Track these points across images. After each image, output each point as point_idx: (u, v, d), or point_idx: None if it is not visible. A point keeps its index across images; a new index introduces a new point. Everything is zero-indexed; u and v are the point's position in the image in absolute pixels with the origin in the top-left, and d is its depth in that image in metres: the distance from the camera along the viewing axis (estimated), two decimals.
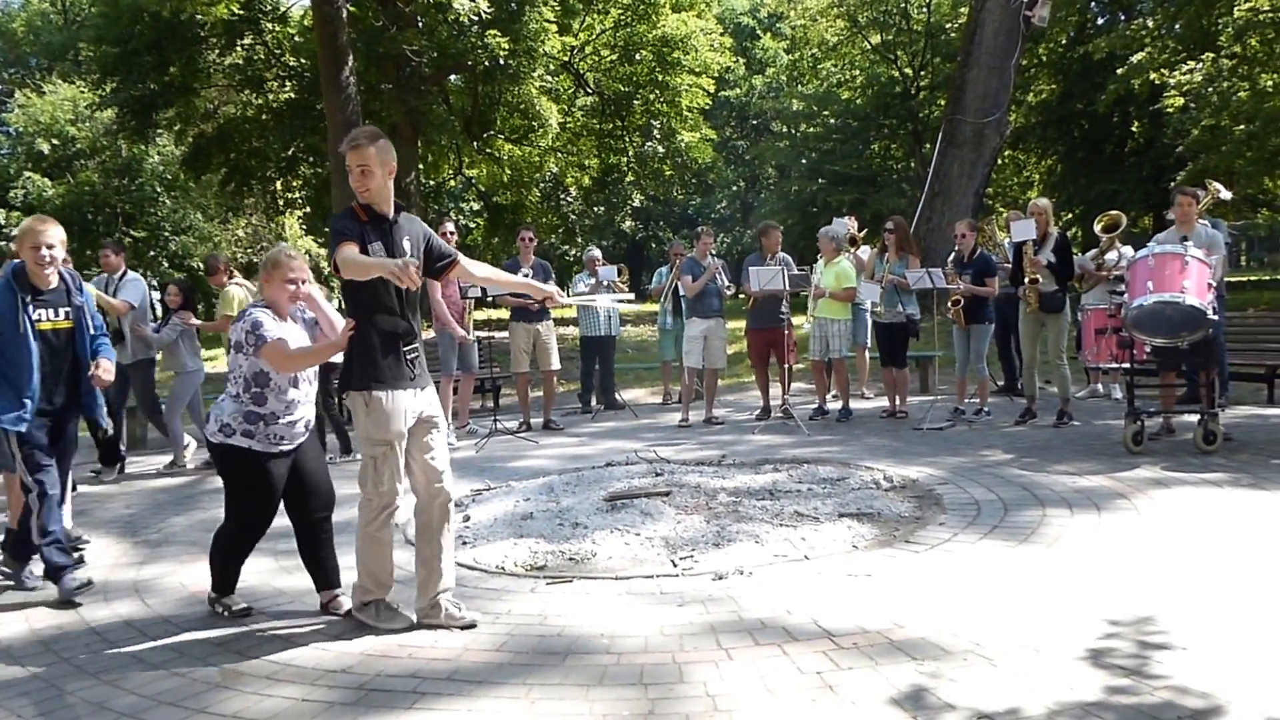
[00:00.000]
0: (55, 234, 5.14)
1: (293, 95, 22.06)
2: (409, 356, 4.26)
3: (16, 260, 5.17)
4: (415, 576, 4.39)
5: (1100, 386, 10.88)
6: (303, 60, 21.56)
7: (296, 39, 22.13)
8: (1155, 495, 6.05)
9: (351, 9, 18.11)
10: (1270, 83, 18.44)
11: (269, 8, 21.36)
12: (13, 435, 5.00)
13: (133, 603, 4.91)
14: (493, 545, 5.55)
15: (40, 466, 5.07)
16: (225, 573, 4.65)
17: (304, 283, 4.50)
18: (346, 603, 4.55)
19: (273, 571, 5.28)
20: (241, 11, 19.68)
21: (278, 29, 21.89)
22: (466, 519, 6.26)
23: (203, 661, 4.03)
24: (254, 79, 21.90)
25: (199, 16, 18.75)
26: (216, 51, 21.45)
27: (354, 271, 4.01)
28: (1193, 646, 3.71)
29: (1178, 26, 20.25)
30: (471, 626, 4.27)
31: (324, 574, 4.67)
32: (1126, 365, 7.69)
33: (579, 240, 29.41)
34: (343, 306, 4.35)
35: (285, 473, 4.53)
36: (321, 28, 15.99)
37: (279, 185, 24.67)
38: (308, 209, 26.36)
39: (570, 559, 5.29)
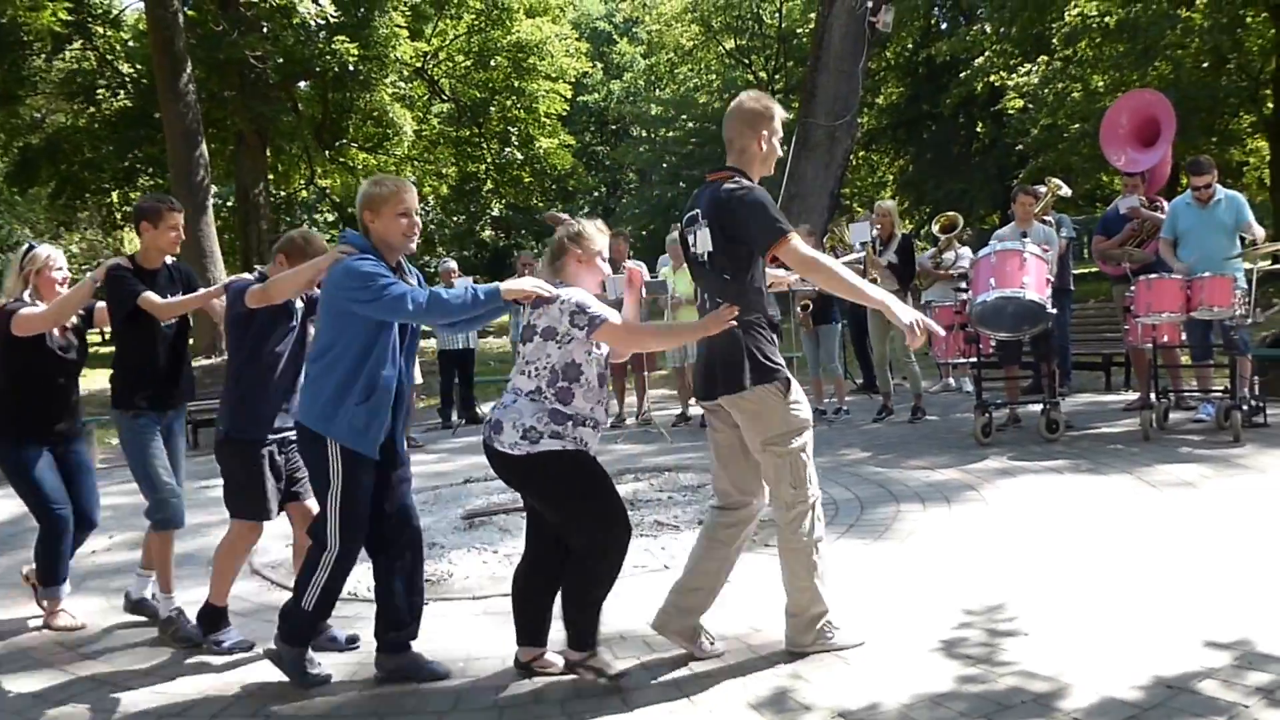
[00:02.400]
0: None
1: (128, 104, 21.07)
2: None
3: (352, 232, 3.86)
4: (683, 586, 3.83)
5: (952, 380, 11.22)
6: (138, 67, 20.62)
7: (130, 44, 21.15)
8: (1002, 485, 6.24)
9: (189, 13, 17.39)
10: (1101, 83, 19.42)
11: (100, 12, 20.36)
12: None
13: None
14: None
15: (359, 517, 3.75)
16: (593, 624, 3.68)
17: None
18: (558, 661, 3.80)
19: (103, 611, 4.94)
20: (69, 17, 18.69)
21: (110, 34, 20.88)
22: None
23: (20, 715, 3.72)
24: (85, 87, 20.83)
25: (22, 23, 17.73)
26: (42, 58, 20.32)
27: (829, 281, 3.68)
28: (1037, 632, 3.81)
29: (1013, 31, 21.15)
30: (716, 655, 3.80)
31: (543, 627, 3.83)
32: (974, 359, 7.93)
33: (439, 251, 29.00)
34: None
35: None
36: (156, 33, 15.28)
37: (116, 198, 23.51)
38: None
39: (427, 580, 5.10)
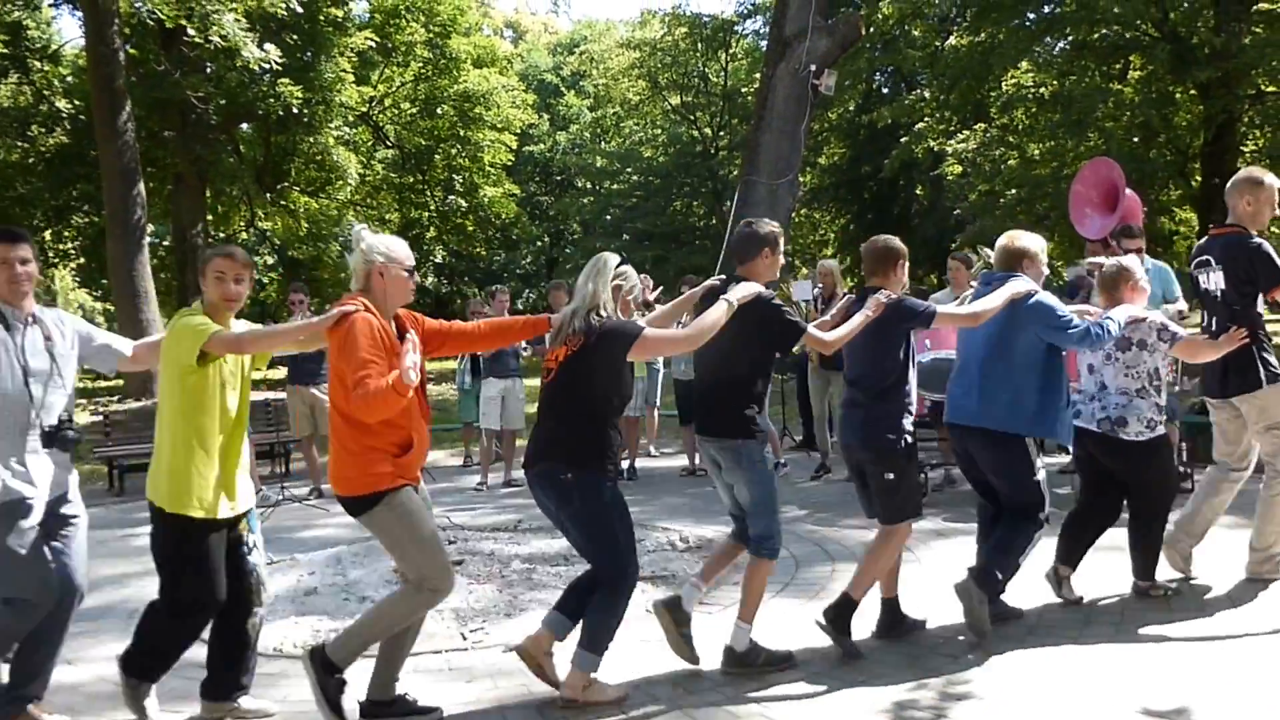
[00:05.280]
0: None
1: (65, 140, 20.68)
2: None
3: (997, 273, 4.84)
4: (1190, 515, 5.28)
5: None
6: (76, 103, 20.27)
7: (69, 80, 20.82)
8: (935, 546, 6.26)
9: (131, 51, 17.17)
10: (1037, 151, 19.95)
11: (38, 46, 20.03)
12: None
13: None
14: (271, 625, 5.16)
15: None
16: (1155, 559, 5.05)
17: None
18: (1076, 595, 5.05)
19: None
20: (6, 50, 18.35)
21: (48, 69, 20.53)
22: None
23: None
24: (20, 121, 20.41)
25: None
26: None
27: None
28: (986, 695, 3.84)
29: (952, 98, 21.68)
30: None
31: (1082, 554, 5.13)
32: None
33: None
34: None
35: None
36: (96, 70, 15.04)
37: (48, 236, 22.96)
38: (82, 260, 24.59)
39: None
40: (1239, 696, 3.77)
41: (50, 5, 21.05)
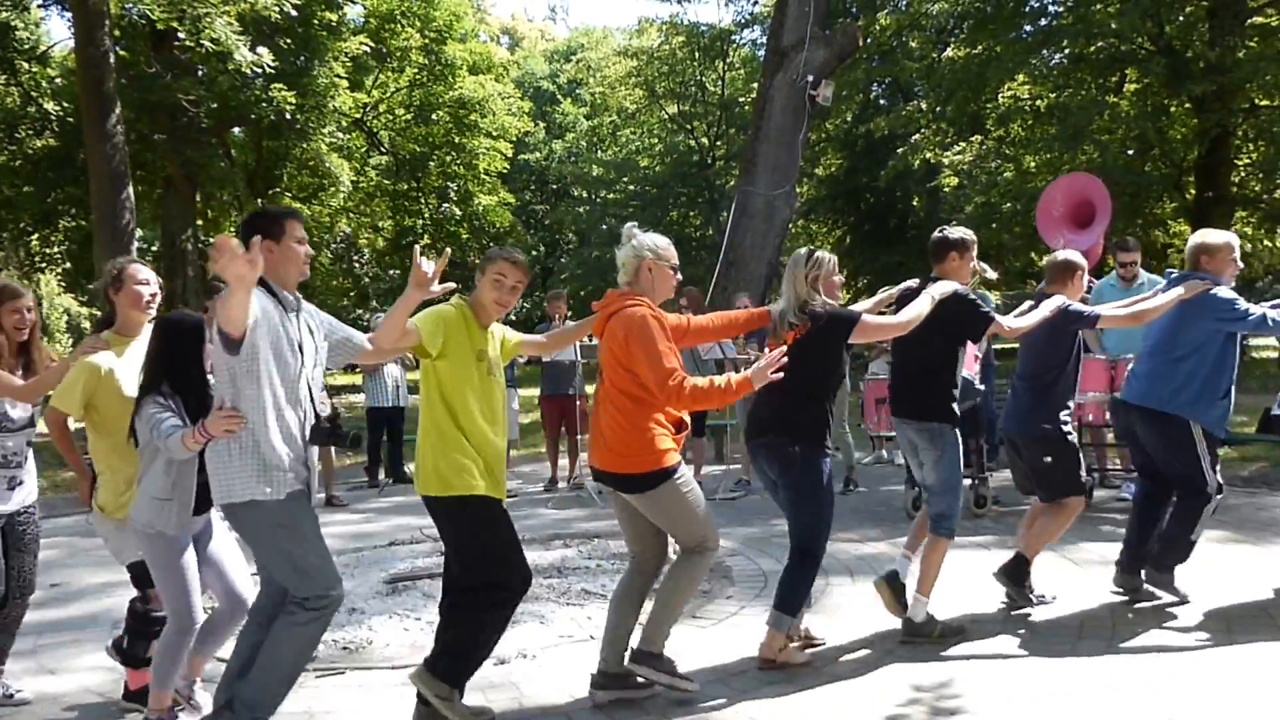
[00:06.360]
0: None
1: (52, 143, 20.48)
2: None
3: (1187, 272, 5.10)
4: None
5: (885, 453, 11.23)
6: (64, 105, 20.08)
7: (58, 81, 20.63)
8: None
9: (121, 54, 17.05)
10: (1032, 163, 19.95)
11: (27, 47, 19.87)
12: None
13: None
14: None
15: None
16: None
17: None
18: None
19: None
20: None
21: (36, 70, 20.35)
22: None
23: None
24: (7, 124, 20.21)
25: None
26: None
27: None
28: (979, 710, 3.78)
29: (949, 110, 21.68)
30: None
31: None
32: None
33: (373, 305, 28.64)
34: None
35: None
36: (85, 72, 14.89)
37: (35, 240, 22.74)
38: (68, 265, 24.35)
39: (344, 648, 4.94)
40: (1227, 714, 3.71)
41: (39, 6, 20.85)
